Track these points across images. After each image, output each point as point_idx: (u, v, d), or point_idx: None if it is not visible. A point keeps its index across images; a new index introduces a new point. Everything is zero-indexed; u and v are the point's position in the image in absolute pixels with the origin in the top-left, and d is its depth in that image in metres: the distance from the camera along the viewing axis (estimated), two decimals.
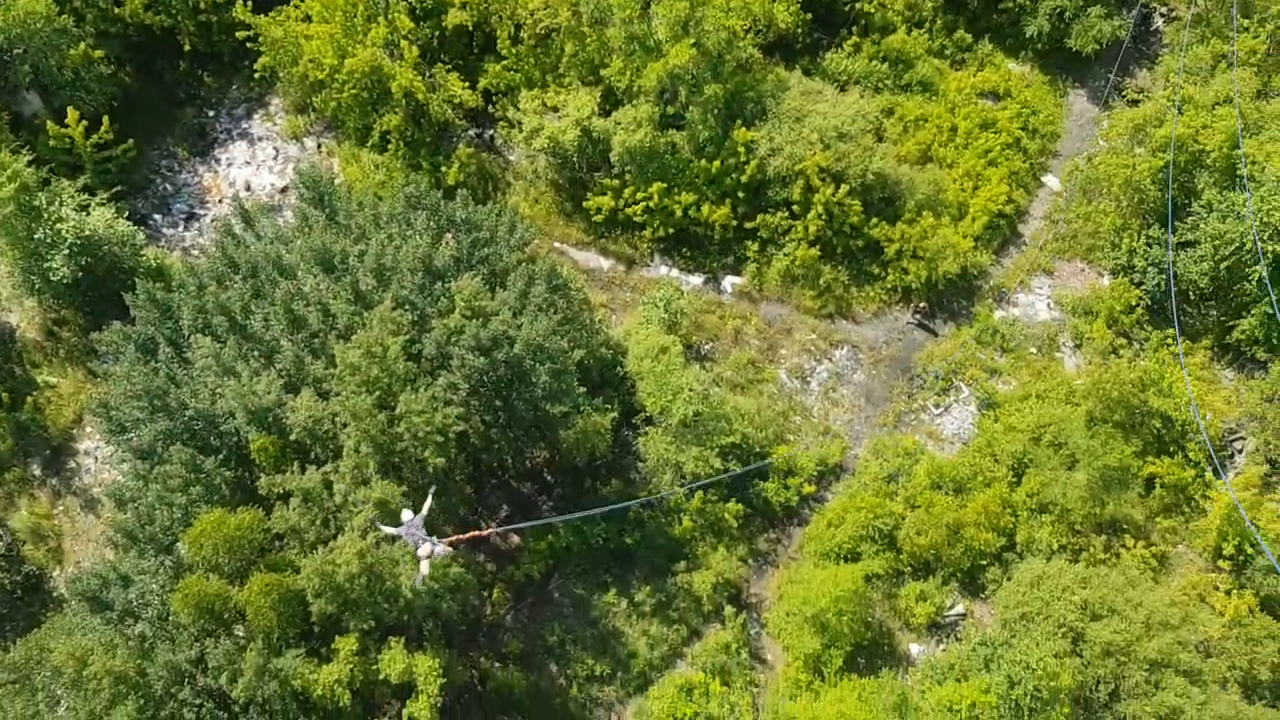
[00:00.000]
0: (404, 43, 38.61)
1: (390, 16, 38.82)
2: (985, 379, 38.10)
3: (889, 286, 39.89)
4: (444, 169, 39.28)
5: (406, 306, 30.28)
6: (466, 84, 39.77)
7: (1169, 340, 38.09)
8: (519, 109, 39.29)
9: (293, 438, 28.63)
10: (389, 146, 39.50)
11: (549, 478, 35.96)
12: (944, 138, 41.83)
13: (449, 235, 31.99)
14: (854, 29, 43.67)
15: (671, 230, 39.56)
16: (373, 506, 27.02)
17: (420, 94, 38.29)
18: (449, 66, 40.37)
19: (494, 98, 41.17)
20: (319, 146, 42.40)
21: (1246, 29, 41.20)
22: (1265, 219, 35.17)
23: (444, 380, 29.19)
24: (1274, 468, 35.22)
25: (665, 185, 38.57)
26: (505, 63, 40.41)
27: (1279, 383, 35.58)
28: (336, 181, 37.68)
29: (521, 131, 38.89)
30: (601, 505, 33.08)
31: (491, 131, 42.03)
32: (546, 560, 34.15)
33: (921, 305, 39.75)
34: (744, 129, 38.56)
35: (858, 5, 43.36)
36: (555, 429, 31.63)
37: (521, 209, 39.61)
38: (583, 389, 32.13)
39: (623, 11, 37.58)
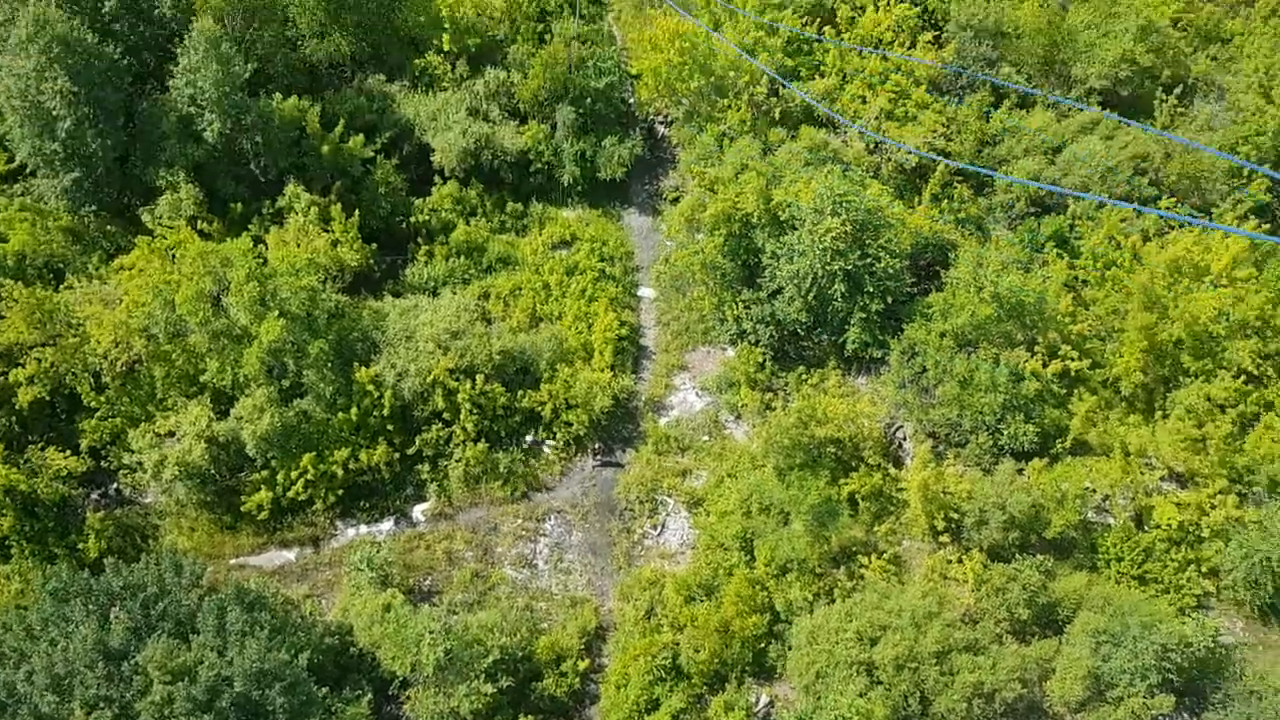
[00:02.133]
0: None
1: None
2: (681, 483, 40.23)
3: (561, 444, 41.29)
4: (81, 546, 36.34)
5: (101, 705, 27.51)
6: (67, 452, 37.32)
7: (803, 375, 42.31)
8: (133, 451, 37.31)
9: None
10: (11, 551, 36.01)
11: None
12: (542, 297, 44.44)
13: (115, 611, 29.66)
14: (419, 240, 45.65)
15: (340, 491, 38.83)
16: None
17: (22, 485, 35.44)
18: (42, 443, 37.70)
19: (103, 451, 38.74)
20: None
21: (729, 106, 47.47)
22: (820, 244, 40.03)
23: None
24: (935, 439, 39.75)
25: (314, 453, 37.97)
26: (99, 413, 38.31)
27: (900, 368, 40.43)
28: None
29: (146, 471, 36.92)
30: None
31: (115, 485, 39.45)
32: None
33: (596, 447, 41.47)
34: (363, 368, 38.96)
35: (411, 219, 45.45)
36: None
37: (180, 545, 37.35)
38: (324, 689, 30.52)
39: (195, 316, 37.05)
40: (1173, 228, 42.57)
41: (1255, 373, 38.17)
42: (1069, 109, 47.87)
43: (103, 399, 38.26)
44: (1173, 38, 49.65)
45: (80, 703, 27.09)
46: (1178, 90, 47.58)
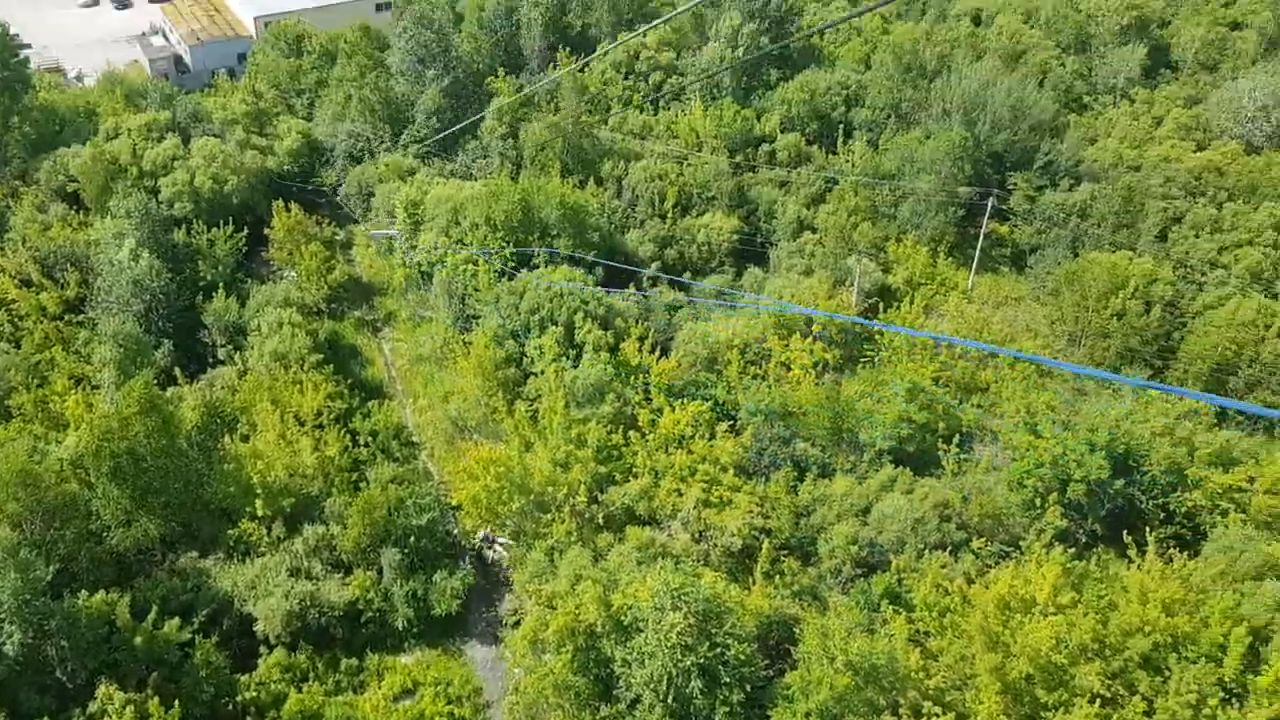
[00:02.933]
0: None
1: None
2: None
3: None
4: None
5: None
6: None
7: None
8: None
9: None
10: None
11: None
12: None
13: None
14: (248, 719, 42.43)
15: None
16: None
17: None
18: None
19: None
20: None
21: (553, 519, 48.25)
22: (668, 642, 39.43)
23: None
24: None
25: None
26: None
27: None
28: None
29: None
30: None
31: None
32: None
33: None
34: None
35: (237, 698, 42.48)
36: None
37: None
38: None
39: None
40: (990, 566, 44.77)
41: (1108, 694, 39.02)
42: (867, 471, 51.33)
43: None
44: (938, 394, 55.01)
45: None
46: (955, 440, 52.03)
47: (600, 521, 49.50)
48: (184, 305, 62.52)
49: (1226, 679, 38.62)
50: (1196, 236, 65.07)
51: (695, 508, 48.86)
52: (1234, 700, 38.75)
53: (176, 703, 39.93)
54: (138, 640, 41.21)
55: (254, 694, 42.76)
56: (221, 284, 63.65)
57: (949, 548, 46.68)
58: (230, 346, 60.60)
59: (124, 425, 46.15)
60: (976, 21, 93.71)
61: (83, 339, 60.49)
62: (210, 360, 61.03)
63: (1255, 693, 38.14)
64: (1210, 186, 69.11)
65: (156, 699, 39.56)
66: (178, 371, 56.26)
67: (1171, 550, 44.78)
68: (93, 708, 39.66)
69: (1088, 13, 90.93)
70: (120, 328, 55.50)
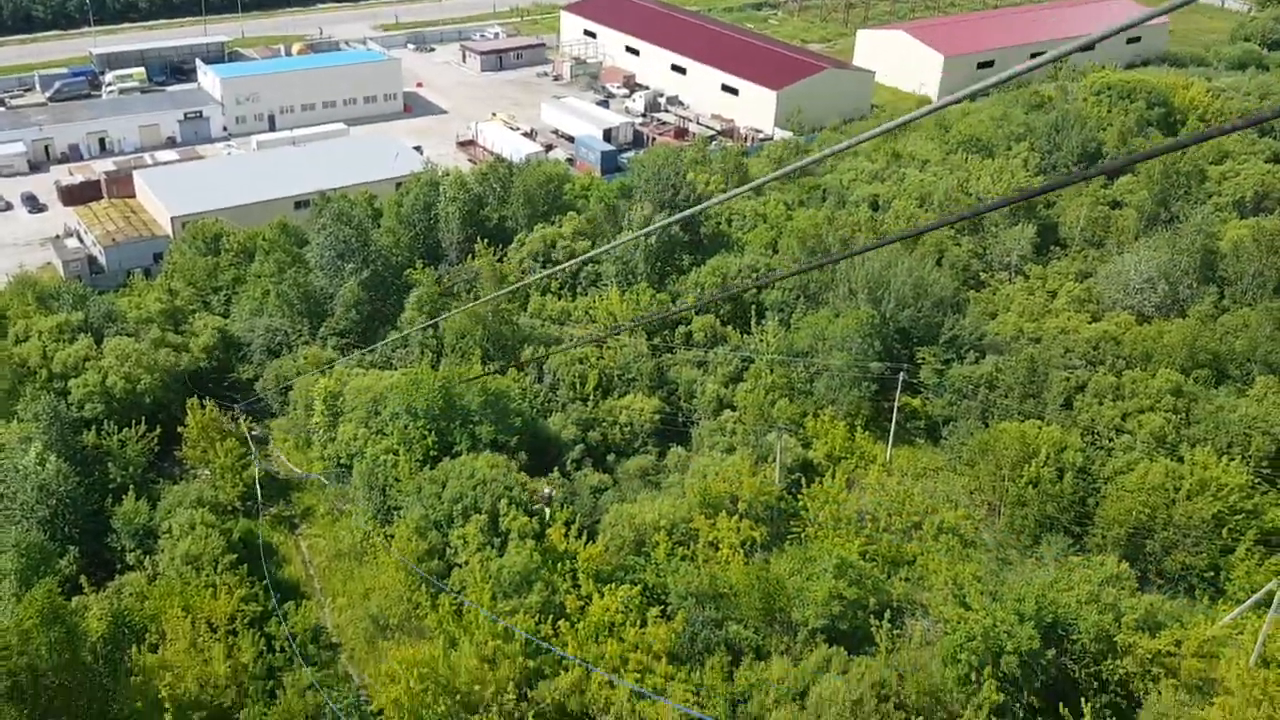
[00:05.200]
0: None
1: None
2: None
3: None
4: None
5: None
6: None
7: None
8: None
9: None
10: None
11: None
12: None
13: None
14: None
15: None
16: None
17: None
18: None
19: None
20: None
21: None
22: None
23: None
24: None
25: None
26: None
27: None
28: None
29: None
30: None
31: None
32: None
33: None
34: None
35: None
36: None
37: None
38: None
39: None
40: None
41: None
42: (802, 653, 50.55)
43: None
44: (866, 569, 55.03)
45: None
46: (887, 615, 51.78)
47: None
48: (92, 509, 60.29)
49: None
50: (1100, 403, 67.57)
51: (629, 700, 47.39)
52: None
53: None
54: None
55: None
56: (132, 486, 61.75)
57: None
58: (140, 551, 58.24)
59: (23, 639, 43.60)
60: (875, 207, 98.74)
61: None
62: (118, 566, 58.45)
63: None
64: (1108, 355, 72.31)
65: None
66: (83, 580, 53.70)
67: None
68: None
69: (977, 195, 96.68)
70: (23, 536, 53.19)
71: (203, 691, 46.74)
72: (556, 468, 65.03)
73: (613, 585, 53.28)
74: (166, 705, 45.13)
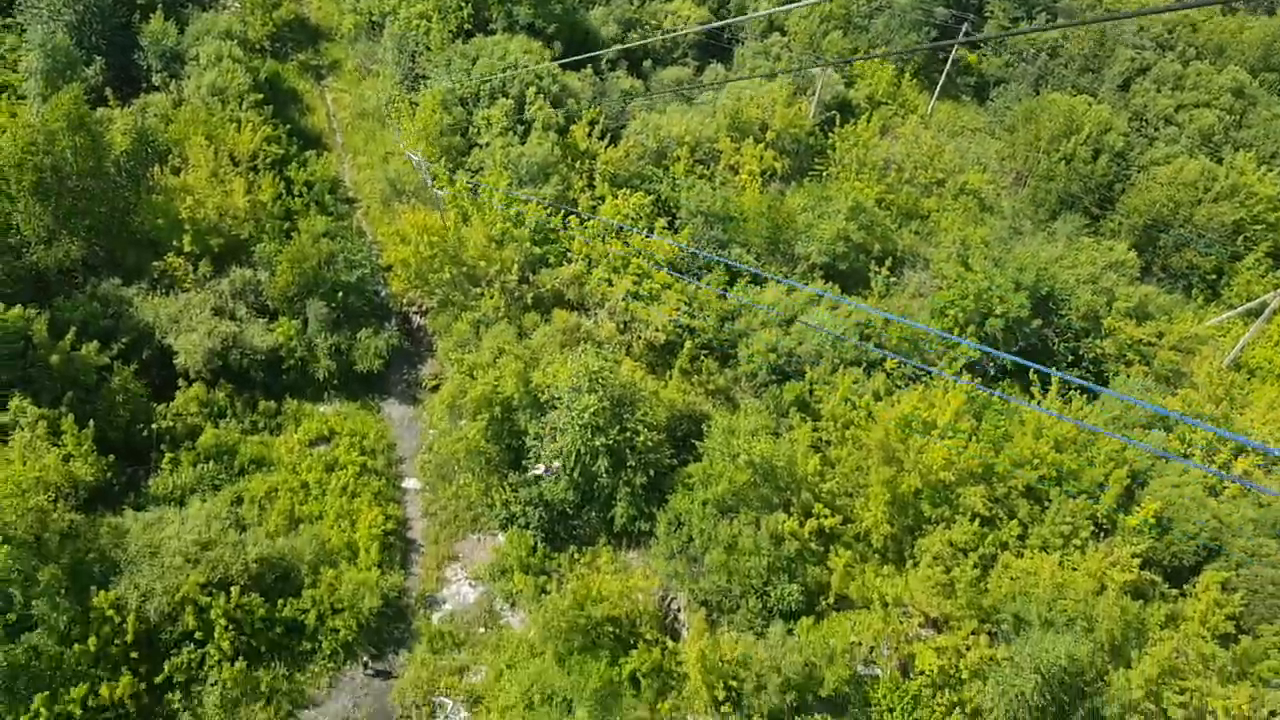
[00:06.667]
0: None
1: None
2: (459, 681, 38.80)
3: (328, 652, 39.09)
4: None
5: None
6: None
7: (575, 555, 42.37)
8: None
9: None
10: None
11: None
12: (301, 497, 42.72)
13: None
14: (163, 447, 43.16)
15: None
16: None
17: None
18: None
19: None
20: None
21: (483, 294, 48.46)
22: (580, 421, 40.81)
23: None
24: (707, 607, 40.44)
25: (47, 694, 34.16)
26: None
27: (668, 539, 41.22)
28: None
29: None
30: None
31: None
32: None
33: (366, 660, 39.45)
34: (102, 592, 35.81)
35: (153, 426, 43.05)
36: None
37: None
38: None
39: None
40: (899, 388, 46.33)
41: (988, 515, 41.47)
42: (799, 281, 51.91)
43: None
44: (879, 216, 55.28)
45: None
46: (888, 262, 52.71)
47: (529, 301, 49.80)
48: (120, 22, 59.26)
49: (1100, 515, 41.19)
50: (1158, 91, 64.73)
51: (624, 299, 49.32)
52: (1102, 534, 41.51)
53: (91, 423, 40.36)
54: (54, 358, 41.13)
55: (170, 424, 43.34)
56: (161, 3, 60.27)
57: (864, 365, 48.02)
58: (166, 74, 58.00)
59: (49, 139, 44.51)
60: None
61: (9, 44, 57.38)
62: (144, 85, 58.46)
63: (1123, 530, 40.84)
64: (1181, 42, 68.26)
65: (71, 417, 39.92)
66: (109, 92, 53.86)
67: (1072, 391, 46.69)
68: (4, 418, 39.91)
69: None
70: (50, 36, 52.63)
71: (221, 220, 48.40)
72: (590, 65, 63.27)
73: (627, 191, 53.70)
74: (186, 227, 46.94)
